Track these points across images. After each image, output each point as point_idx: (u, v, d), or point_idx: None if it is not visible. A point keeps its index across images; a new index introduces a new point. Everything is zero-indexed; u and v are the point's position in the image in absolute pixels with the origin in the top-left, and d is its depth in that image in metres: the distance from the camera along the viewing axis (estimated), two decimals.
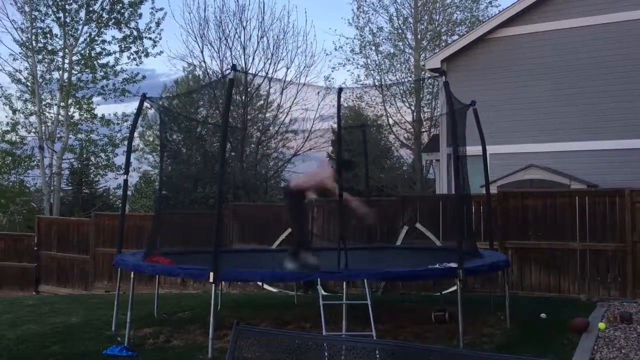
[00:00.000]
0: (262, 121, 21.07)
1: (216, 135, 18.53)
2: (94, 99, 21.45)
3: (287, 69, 23.50)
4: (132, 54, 21.00)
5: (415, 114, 24.61)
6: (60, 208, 21.49)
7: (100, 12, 20.62)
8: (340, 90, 8.42)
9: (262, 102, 21.57)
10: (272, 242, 12.14)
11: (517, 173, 13.01)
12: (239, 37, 19.11)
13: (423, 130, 24.87)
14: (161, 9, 20.97)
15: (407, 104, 24.79)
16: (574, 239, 10.14)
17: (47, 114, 21.00)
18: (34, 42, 20.34)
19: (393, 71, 25.04)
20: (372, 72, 25.20)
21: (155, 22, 20.84)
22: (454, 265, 6.68)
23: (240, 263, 7.96)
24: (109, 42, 20.95)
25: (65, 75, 20.71)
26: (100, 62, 20.99)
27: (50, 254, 15.27)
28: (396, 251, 10.26)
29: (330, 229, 11.97)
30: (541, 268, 10.33)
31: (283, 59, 20.04)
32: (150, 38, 21.00)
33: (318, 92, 18.52)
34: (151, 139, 31.54)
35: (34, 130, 20.88)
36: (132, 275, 7.63)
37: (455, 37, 22.02)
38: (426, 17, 24.51)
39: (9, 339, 7.53)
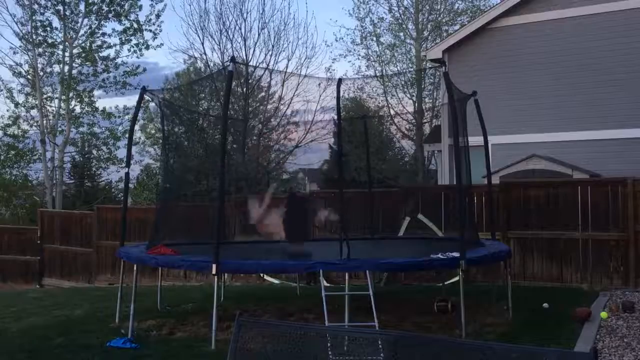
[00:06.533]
0: (263, 113, 21.03)
1: (217, 128, 18.50)
2: (95, 92, 21.43)
3: (288, 60, 23.28)
4: (133, 47, 20.96)
5: (416, 104, 24.55)
6: (63, 201, 21.52)
7: (100, 4, 20.55)
8: (339, 81, 8.37)
9: (263, 94, 21.52)
10: None
11: (520, 163, 12.98)
12: (240, 28, 19.04)
13: (425, 121, 24.80)
14: (161, 1, 20.89)
15: (408, 95, 24.74)
16: (576, 228, 10.13)
17: (48, 107, 21.00)
18: (34, 35, 20.30)
19: (394, 62, 24.97)
20: (373, 63, 25.13)
21: (155, 14, 20.77)
22: (456, 254, 6.67)
23: (243, 255, 7.98)
24: (109, 35, 20.92)
25: (66, 68, 20.68)
26: (100, 54, 20.95)
27: (53, 247, 15.31)
28: (398, 242, 10.26)
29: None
30: (543, 258, 10.33)
31: (284, 51, 20.01)
32: (150, 30, 20.95)
33: (319, 84, 18.45)
34: (153, 131, 31.52)
35: (35, 123, 20.89)
36: (135, 268, 7.66)
37: (457, 27, 21.91)
38: (427, 7, 24.39)
39: (13, 332, 7.57)
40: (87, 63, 20.88)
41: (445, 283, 9.80)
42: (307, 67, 22.61)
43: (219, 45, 19.13)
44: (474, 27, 14.44)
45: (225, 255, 6.63)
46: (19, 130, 20.98)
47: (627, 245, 9.73)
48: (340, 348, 3.48)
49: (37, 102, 20.51)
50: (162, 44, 32.89)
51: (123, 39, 20.81)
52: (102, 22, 20.74)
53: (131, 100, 25.85)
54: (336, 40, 33.62)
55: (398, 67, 24.88)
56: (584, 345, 6.13)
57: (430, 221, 11.14)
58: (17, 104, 20.80)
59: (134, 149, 10.54)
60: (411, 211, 11.39)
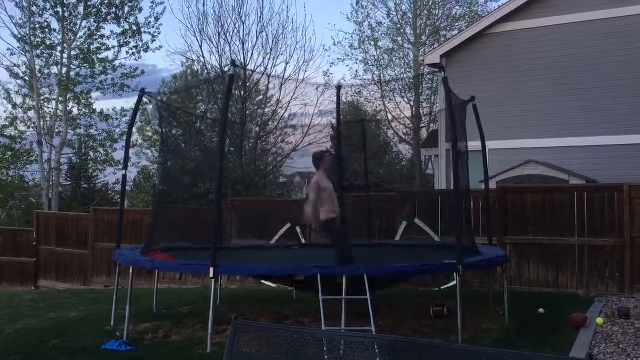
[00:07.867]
0: (261, 116, 21.06)
1: (215, 131, 18.51)
2: (93, 94, 21.46)
3: (286, 64, 23.44)
4: (131, 49, 20.99)
5: (414, 109, 24.60)
6: (59, 203, 21.50)
7: (99, 6, 20.57)
8: (339, 87, 8.42)
9: (261, 97, 21.56)
10: (271, 237, 12.14)
11: (517, 168, 13.01)
12: (238, 32, 19.11)
13: (422, 125, 24.86)
14: (161, 3, 20.92)
15: (406, 100, 24.79)
16: (572, 234, 10.14)
17: (45, 108, 21.01)
18: (32, 36, 20.30)
19: (392, 66, 25.04)
20: (371, 67, 25.20)
21: (155, 17, 20.82)
22: (453, 259, 6.68)
23: (240, 258, 7.98)
24: (108, 37, 20.94)
25: (64, 70, 20.68)
26: (99, 56, 20.97)
27: (49, 249, 15.26)
28: (395, 247, 10.25)
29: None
30: (540, 263, 10.34)
31: (282, 54, 20.05)
32: (149, 33, 20.99)
33: (317, 88, 18.50)
34: (150, 134, 31.51)
35: (32, 125, 20.87)
36: (131, 270, 7.64)
37: (455, 32, 21.98)
38: (425, 12, 24.46)
39: (8, 334, 7.55)
40: (85, 65, 20.89)
41: (442, 288, 9.81)
42: (305, 71, 22.71)
43: (217, 48, 19.20)
44: (472, 32, 14.49)
45: (222, 259, 6.62)
46: (16, 132, 20.98)
47: (623, 252, 9.75)
48: (336, 352, 3.48)
49: (34, 104, 20.50)
50: (161, 47, 32.82)
51: (122, 41, 20.85)
52: (101, 25, 20.77)
53: (129, 102, 25.89)
54: (334, 45, 33.75)
55: (396, 72, 24.97)
56: (579, 351, 6.14)
57: (427, 226, 11.14)
58: (14, 105, 20.81)
59: (130, 151, 10.51)
60: (408, 216, 11.40)
